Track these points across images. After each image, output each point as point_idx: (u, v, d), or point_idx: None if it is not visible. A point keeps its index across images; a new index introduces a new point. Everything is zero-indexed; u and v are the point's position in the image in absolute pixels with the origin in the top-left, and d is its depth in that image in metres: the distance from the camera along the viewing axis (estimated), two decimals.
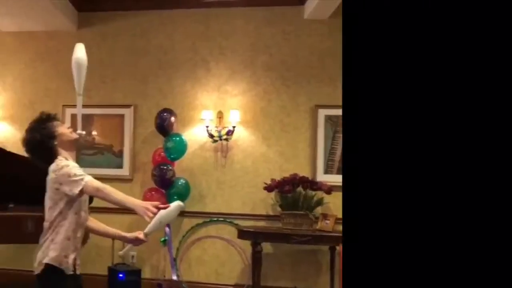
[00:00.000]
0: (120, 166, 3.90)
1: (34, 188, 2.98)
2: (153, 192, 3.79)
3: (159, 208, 1.76)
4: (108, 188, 1.82)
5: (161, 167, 3.75)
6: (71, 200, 1.86)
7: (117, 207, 1.91)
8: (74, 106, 3.71)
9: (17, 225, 3.19)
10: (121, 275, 3.73)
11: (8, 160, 3.24)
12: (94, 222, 2.08)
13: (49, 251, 1.85)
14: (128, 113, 3.90)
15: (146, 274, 3.88)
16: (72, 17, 3.95)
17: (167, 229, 3.83)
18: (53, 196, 1.88)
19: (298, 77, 3.85)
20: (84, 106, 3.76)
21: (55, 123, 1.96)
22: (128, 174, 3.90)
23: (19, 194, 3.39)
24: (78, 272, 1.92)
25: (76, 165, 1.90)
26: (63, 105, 3.97)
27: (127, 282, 3.76)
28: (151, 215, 1.75)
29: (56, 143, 1.91)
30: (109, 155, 3.93)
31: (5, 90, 4.09)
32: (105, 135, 3.96)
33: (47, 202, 1.89)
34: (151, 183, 3.79)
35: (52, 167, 1.89)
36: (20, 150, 3.28)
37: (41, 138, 1.90)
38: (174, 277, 3.84)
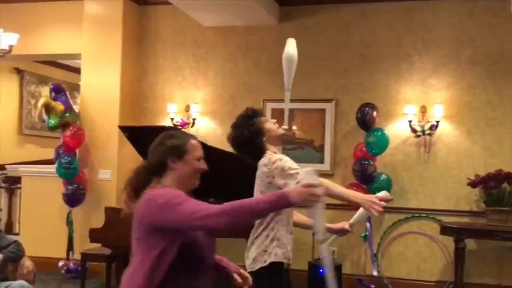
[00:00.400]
0: (321, 161, 7.03)
1: (236, 183, 5.87)
2: (354, 187, 6.75)
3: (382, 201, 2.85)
4: (326, 182, 2.86)
5: (362, 162, 6.74)
6: None
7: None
8: (275, 100, 6.94)
9: None
10: (321, 270, 6.53)
11: (209, 154, 6.12)
12: (296, 215, 3.36)
13: (272, 248, 3.08)
14: (329, 107, 7.01)
15: (346, 269, 6.90)
16: (273, 11, 7.15)
17: (367, 224, 6.79)
18: (264, 190, 3.03)
19: (504, 70, 6.71)
20: (284, 100, 7.02)
21: (262, 118, 3.26)
22: (329, 169, 7.00)
23: (220, 188, 6.40)
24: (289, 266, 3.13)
25: (289, 159, 3.10)
26: (264, 100, 7.23)
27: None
28: (380, 209, 2.82)
29: (264, 139, 3.19)
30: (309, 149, 7.06)
31: (206, 85, 7.42)
32: (306, 129, 7.09)
33: (258, 196, 3.01)
34: (352, 178, 6.81)
35: (264, 161, 3.09)
36: (221, 144, 6.58)
37: (249, 134, 3.18)
38: (375, 273, 6.81)
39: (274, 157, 3.12)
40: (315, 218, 2.64)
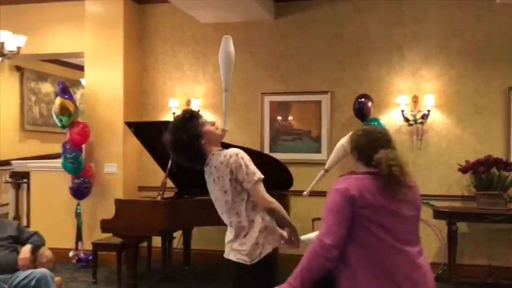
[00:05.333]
0: (318, 150, 7.45)
1: None
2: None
3: None
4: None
5: None
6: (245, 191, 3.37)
7: None
8: (273, 94, 7.35)
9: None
10: None
11: None
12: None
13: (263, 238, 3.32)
14: (325, 99, 7.37)
15: None
16: (269, 7, 7.56)
17: None
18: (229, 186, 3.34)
19: (491, 60, 7.11)
20: (282, 93, 7.44)
21: (200, 121, 3.30)
22: (326, 158, 7.34)
23: None
24: None
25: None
26: (262, 93, 7.58)
27: None
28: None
29: (203, 142, 3.24)
30: (307, 140, 7.48)
31: (206, 79, 7.82)
32: (303, 121, 7.48)
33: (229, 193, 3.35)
34: (349, 168, 7.12)
35: (220, 159, 3.25)
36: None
37: (188, 138, 3.23)
38: None
39: (234, 150, 3.25)
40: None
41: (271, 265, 3.35)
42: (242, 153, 3.26)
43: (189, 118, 3.31)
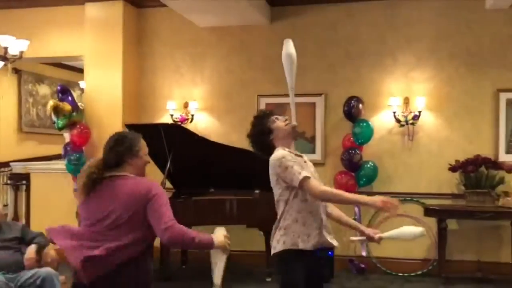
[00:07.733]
0: (313, 151, 7.74)
1: (232, 174, 6.52)
2: (343, 175, 7.41)
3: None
4: (338, 191, 3.70)
5: (349, 151, 7.39)
6: (294, 189, 3.52)
7: None
8: (269, 96, 7.61)
9: (217, 207, 6.68)
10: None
11: (209, 148, 6.81)
12: (334, 209, 3.93)
13: (279, 236, 3.55)
14: (319, 101, 7.64)
15: (338, 251, 7.43)
16: (265, 12, 7.84)
17: (356, 209, 7.47)
18: (274, 186, 3.61)
19: (480, 63, 7.43)
20: (276, 95, 7.67)
21: (271, 118, 3.73)
22: (320, 158, 7.69)
23: (218, 179, 7.02)
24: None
25: (293, 158, 3.53)
26: (258, 95, 7.87)
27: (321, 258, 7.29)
28: (394, 212, 3.45)
29: (271, 137, 3.67)
30: (302, 141, 7.73)
31: (203, 82, 8.09)
32: (298, 122, 7.61)
33: (275, 192, 3.62)
34: (342, 167, 7.41)
35: (271, 158, 3.58)
36: (218, 137, 7.21)
37: (258, 133, 3.71)
38: (364, 253, 7.47)
39: (279, 154, 3.51)
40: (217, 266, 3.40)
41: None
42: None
43: (261, 116, 3.79)
